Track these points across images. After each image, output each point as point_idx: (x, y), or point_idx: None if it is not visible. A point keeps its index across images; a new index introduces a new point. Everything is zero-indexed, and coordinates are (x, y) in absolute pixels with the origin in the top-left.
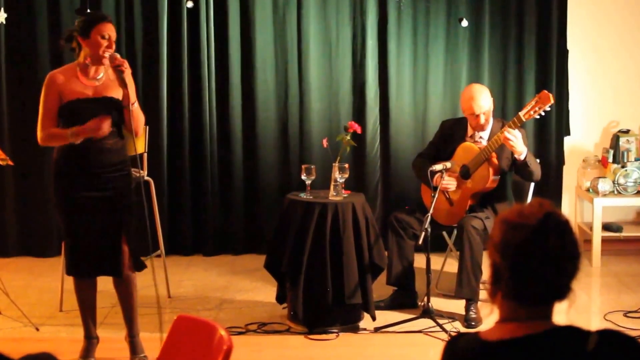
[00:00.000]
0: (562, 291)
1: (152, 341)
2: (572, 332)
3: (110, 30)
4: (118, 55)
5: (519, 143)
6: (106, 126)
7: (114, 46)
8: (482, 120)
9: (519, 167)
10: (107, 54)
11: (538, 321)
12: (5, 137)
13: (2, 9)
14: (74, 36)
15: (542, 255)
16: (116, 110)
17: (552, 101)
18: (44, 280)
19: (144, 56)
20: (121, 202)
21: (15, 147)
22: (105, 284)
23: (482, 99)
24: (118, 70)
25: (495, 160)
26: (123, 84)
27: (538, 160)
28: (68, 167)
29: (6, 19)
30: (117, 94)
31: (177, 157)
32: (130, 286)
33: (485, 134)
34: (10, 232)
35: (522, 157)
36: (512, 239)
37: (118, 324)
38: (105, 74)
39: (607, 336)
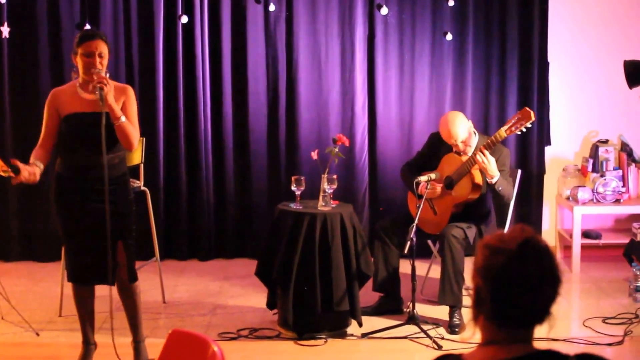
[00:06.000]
0: (541, 315)
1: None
2: (552, 356)
3: (93, 48)
4: (102, 74)
5: (490, 167)
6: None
7: (97, 61)
8: (461, 147)
9: (489, 188)
10: (94, 71)
11: (519, 344)
12: (8, 147)
13: (6, 23)
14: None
15: (521, 280)
16: (112, 125)
17: (533, 118)
18: (44, 285)
19: (141, 69)
20: (119, 214)
21: (18, 155)
22: (103, 290)
23: (457, 129)
24: (98, 88)
25: (476, 172)
26: (101, 100)
27: (519, 171)
28: (68, 180)
29: (9, 32)
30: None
31: (173, 166)
32: (134, 294)
33: (470, 149)
34: (12, 237)
35: (493, 181)
36: (493, 263)
37: (116, 329)
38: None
39: None
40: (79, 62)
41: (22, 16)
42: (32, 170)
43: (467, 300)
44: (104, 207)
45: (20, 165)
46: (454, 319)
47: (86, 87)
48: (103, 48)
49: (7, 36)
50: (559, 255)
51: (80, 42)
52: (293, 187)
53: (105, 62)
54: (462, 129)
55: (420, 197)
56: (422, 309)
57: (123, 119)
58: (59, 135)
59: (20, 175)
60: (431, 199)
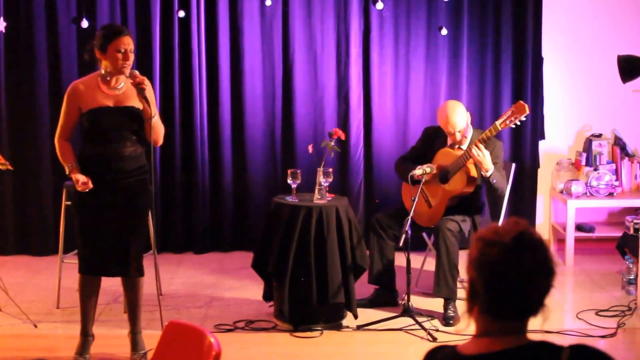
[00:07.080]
0: (535, 307)
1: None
2: (546, 348)
3: (126, 44)
4: (137, 73)
5: (485, 160)
6: (83, 186)
7: (131, 57)
8: (458, 137)
9: (484, 181)
10: (126, 67)
11: (513, 336)
12: (4, 141)
13: (2, 17)
14: (94, 50)
15: (515, 272)
16: (136, 119)
17: (528, 111)
18: (42, 278)
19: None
20: (137, 207)
21: (15, 149)
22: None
23: (456, 118)
24: (139, 88)
25: (471, 165)
26: (145, 100)
27: (514, 165)
28: (88, 172)
29: (6, 27)
30: (137, 103)
31: (169, 159)
32: (138, 287)
33: (465, 141)
34: (9, 231)
35: (488, 174)
36: (487, 256)
37: (112, 321)
38: (125, 84)
39: (579, 351)
40: (109, 57)
41: (19, 10)
42: (83, 177)
43: (461, 293)
44: (122, 199)
45: (75, 176)
46: (449, 311)
47: (108, 82)
48: (132, 43)
49: (4, 30)
50: (552, 248)
51: (113, 38)
52: (289, 180)
53: (133, 56)
54: (461, 118)
55: (416, 182)
56: (417, 301)
57: (156, 117)
58: (80, 127)
59: (82, 185)
60: (426, 192)
